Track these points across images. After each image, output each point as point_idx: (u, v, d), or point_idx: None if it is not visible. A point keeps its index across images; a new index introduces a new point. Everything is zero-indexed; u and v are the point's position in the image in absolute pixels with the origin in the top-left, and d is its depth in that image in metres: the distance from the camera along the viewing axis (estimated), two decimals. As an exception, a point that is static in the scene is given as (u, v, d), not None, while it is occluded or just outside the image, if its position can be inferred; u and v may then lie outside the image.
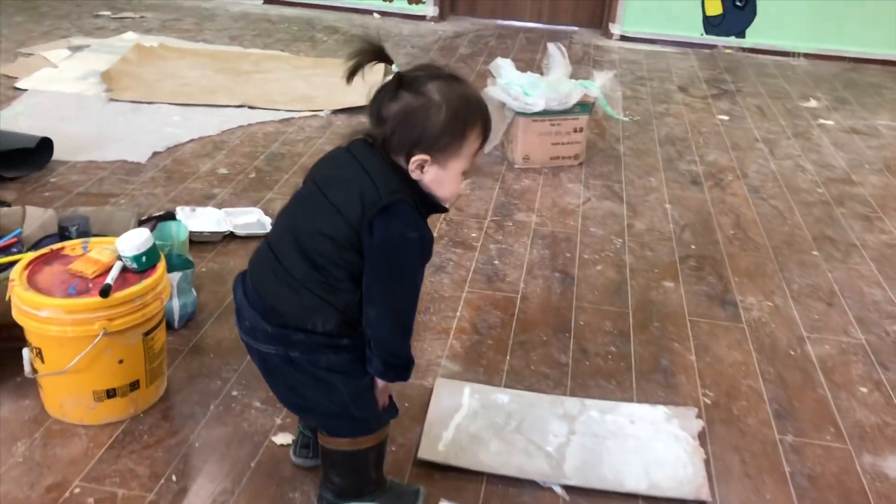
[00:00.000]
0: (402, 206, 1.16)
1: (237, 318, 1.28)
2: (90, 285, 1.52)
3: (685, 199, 2.77)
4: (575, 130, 2.91)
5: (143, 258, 1.57)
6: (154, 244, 1.60)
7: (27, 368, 1.55)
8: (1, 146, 2.59)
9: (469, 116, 1.18)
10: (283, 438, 1.57)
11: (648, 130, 3.39)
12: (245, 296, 1.25)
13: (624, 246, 2.42)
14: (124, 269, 1.57)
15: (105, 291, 1.48)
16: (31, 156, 2.66)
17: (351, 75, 1.17)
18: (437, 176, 1.19)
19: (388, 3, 5.03)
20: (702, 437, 1.63)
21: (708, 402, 1.75)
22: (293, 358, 1.22)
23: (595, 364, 1.85)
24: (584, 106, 2.88)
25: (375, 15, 5.02)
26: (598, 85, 2.89)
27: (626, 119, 3.19)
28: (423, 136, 1.16)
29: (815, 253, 2.46)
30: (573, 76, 2.99)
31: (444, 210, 1.27)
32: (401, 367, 1.26)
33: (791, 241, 2.52)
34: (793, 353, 1.95)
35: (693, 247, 2.44)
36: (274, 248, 1.25)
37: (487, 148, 2.95)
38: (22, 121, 3.05)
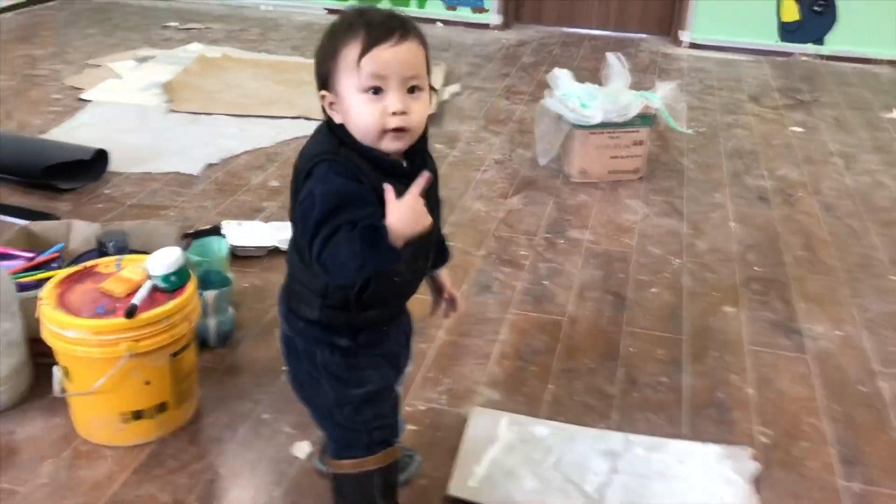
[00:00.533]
0: (320, 167, 1.06)
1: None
2: (118, 305, 1.50)
3: (751, 216, 2.62)
4: (635, 143, 2.79)
5: (173, 278, 1.54)
6: (185, 264, 1.57)
7: (56, 387, 1.53)
8: (58, 158, 2.63)
9: (337, 27, 1.07)
10: (301, 450, 1.52)
11: (715, 143, 3.24)
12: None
13: (682, 267, 2.29)
14: (154, 289, 1.54)
15: (130, 312, 1.45)
16: (87, 167, 2.69)
17: None
18: (344, 108, 1.07)
19: (451, 11, 4.98)
20: (756, 482, 1.50)
21: (765, 441, 1.62)
22: (297, 345, 1.22)
23: (644, 395, 1.74)
24: (645, 118, 2.76)
25: (439, 24, 4.97)
26: (660, 96, 2.77)
27: (690, 132, 3.05)
28: (318, 74, 1.09)
29: (893, 278, 2.28)
30: (638, 85, 2.87)
31: (385, 156, 1.08)
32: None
33: (866, 263, 2.35)
34: (863, 389, 1.80)
35: (757, 269, 2.30)
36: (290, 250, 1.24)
37: (543, 160, 2.86)
38: (83, 131, 3.11)
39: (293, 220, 1.15)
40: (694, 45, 4.64)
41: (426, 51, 1.11)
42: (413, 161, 1.13)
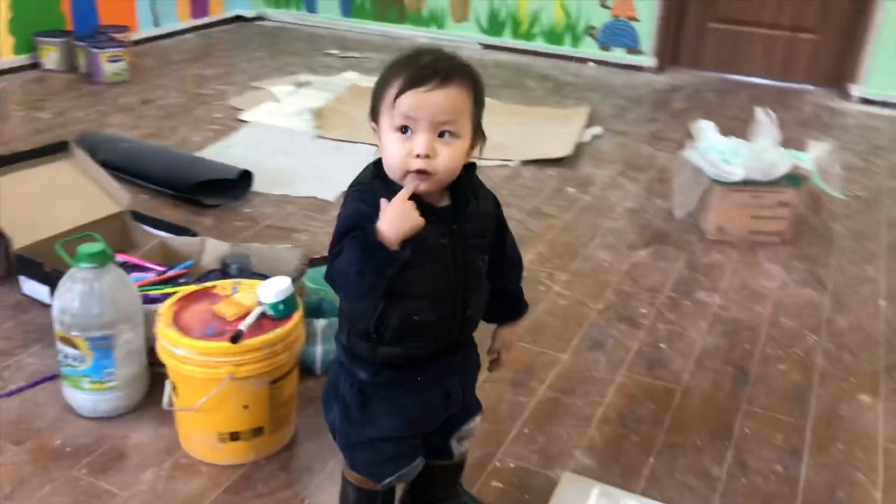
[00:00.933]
0: (350, 195, 1.15)
1: None
2: (227, 328, 1.56)
3: (906, 295, 2.39)
4: (780, 204, 2.62)
5: (281, 306, 1.58)
6: (293, 293, 1.61)
7: (165, 400, 1.61)
8: (207, 175, 2.79)
9: (391, 65, 1.12)
10: None
11: (875, 210, 2.99)
12: None
13: (818, 345, 2.12)
14: (262, 315, 1.59)
15: (235, 338, 1.50)
16: (233, 186, 2.84)
17: None
18: (380, 143, 1.14)
19: (605, 51, 4.91)
20: None
21: (888, 555, 1.46)
22: (336, 362, 1.27)
23: (753, 483, 1.61)
24: (794, 179, 2.59)
25: (591, 63, 4.91)
26: (812, 157, 2.59)
27: (844, 197, 2.83)
28: (370, 104, 1.15)
29: None
30: (797, 140, 2.70)
31: (400, 189, 1.09)
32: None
33: None
34: None
35: (905, 355, 2.09)
36: None
37: (679, 213, 2.74)
38: (235, 151, 3.29)
39: None
40: (865, 101, 4.32)
41: (474, 97, 1.14)
42: (457, 202, 1.16)
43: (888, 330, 2.20)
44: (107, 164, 2.92)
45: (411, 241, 1.07)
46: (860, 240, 2.74)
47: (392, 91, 1.09)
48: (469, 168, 1.18)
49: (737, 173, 2.54)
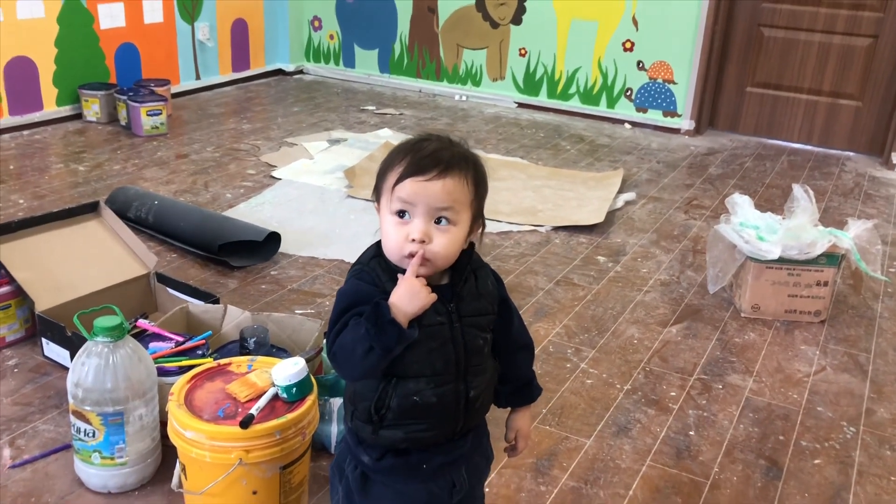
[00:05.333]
0: (349, 274, 1.17)
1: None
2: (239, 409, 1.52)
3: (951, 385, 2.28)
4: (818, 284, 2.54)
5: (294, 389, 1.55)
6: (308, 375, 1.58)
7: (174, 481, 1.57)
8: (234, 237, 2.79)
9: (394, 151, 1.14)
10: None
11: (918, 289, 2.89)
12: None
13: (857, 438, 2.02)
14: (275, 397, 1.56)
15: (245, 423, 1.46)
16: (261, 246, 2.84)
17: None
18: (380, 225, 1.16)
19: (641, 112, 4.88)
20: None
21: None
22: (345, 441, 1.24)
23: None
24: (832, 257, 2.51)
25: (627, 125, 4.89)
26: (852, 235, 2.51)
27: (886, 279, 2.73)
28: (378, 186, 1.16)
29: None
30: (837, 210, 2.63)
31: (402, 271, 1.12)
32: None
33: None
34: None
35: (951, 453, 1.98)
36: None
37: (713, 288, 2.67)
38: (266, 209, 3.30)
39: None
40: (907, 170, 4.23)
41: (475, 185, 1.15)
42: (455, 281, 1.17)
43: (932, 423, 2.10)
44: (138, 222, 2.96)
45: (412, 320, 1.10)
46: (903, 322, 2.64)
47: (392, 177, 1.12)
48: (468, 248, 1.19)
49: (773, 251, 2.46)
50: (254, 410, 1.49)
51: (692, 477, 1.84)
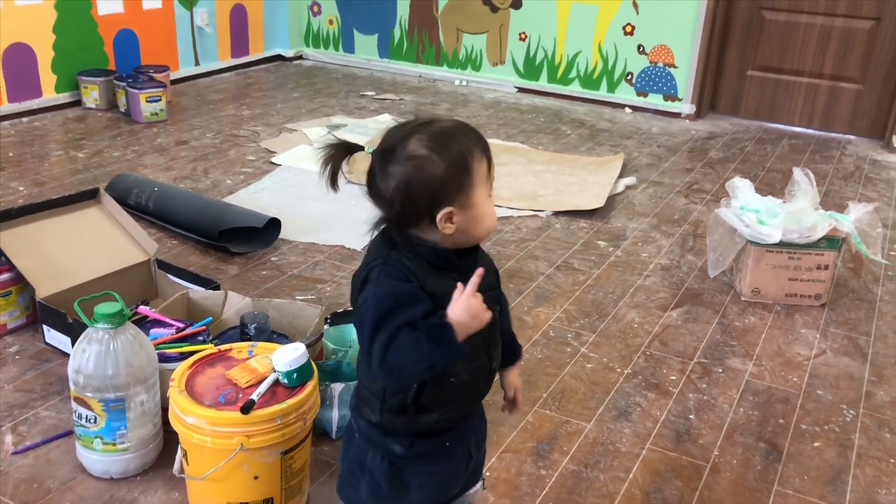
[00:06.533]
0: (373, 271, 1.13)
1: None
2: (240, 395, 1.53)
3: (951, 368, 2.29)
4: (818, 267, 2.54)
5: (295, 375, 1.55)
6: (308, 360, 1.58)
7: (176, 466, 1.58)
8: (234, 223, 2.79)
9: (461, 147, 1.12)
10: None
11: (918, 272, 2.88)
12: None
13: (856, 421, 2.02)
14: (276, 383, 1.56)
15: (246, 408, 1.47)
16: (261, 232, 2.84)
17: (333, 183, 1.16)
18: (470, 216, 1.13)
19: (642, 97, 4.87)
20: None
21: None
22: (355, 439, 1.25)
23: (784, 577, 1.53)
24: (833, 241, 2.50)
25: (627, 109, 4.87)
26: (853, 219, 2.50)
27: (886, 262, 2.73)
28: (434, 194, 1.10)
29: None
30: (838, 194, 2.62)
31: (451, 253, 1.15)
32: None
33: None
34: None
35: (950, 435, 1.98)
36: None
37: (713, 272, 2.67)
38: (266, 195, 3.30)
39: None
40: (909, 153, 4.21)
41: None
42: (463, 257, 1.18)
43: (932, 406, 2.10)
44: (138, 209, 2.96)
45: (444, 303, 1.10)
46: (903, 305, 2.64)
47: (483, 165, 1.14)
48: None
49: (773, 235, 2.46)
50: (255, 396, 1.50)
51: (692, 460, 1.84)
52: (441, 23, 5.32)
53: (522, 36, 5.09)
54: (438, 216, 1.11)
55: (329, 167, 1.15)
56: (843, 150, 4.31)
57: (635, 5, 4.71)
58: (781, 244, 2.50)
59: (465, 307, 1.07)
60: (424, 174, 1.10)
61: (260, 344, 1.70)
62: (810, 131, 4.61)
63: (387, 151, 1.12)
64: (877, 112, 4.45)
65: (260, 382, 1.55)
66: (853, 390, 2.15)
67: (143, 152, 3.74)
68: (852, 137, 4.50)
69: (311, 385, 1.57)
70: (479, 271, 1.09)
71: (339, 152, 1.15)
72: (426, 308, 1.09)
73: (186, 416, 1.48)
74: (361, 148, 1.16)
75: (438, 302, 1.10)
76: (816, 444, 1.92)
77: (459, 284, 1.10)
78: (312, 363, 1.60)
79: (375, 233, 1.19)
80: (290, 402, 1.51)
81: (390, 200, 1.12)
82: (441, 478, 1.24)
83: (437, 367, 1.09)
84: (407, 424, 1.18)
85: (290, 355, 1.55)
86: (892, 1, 4.27)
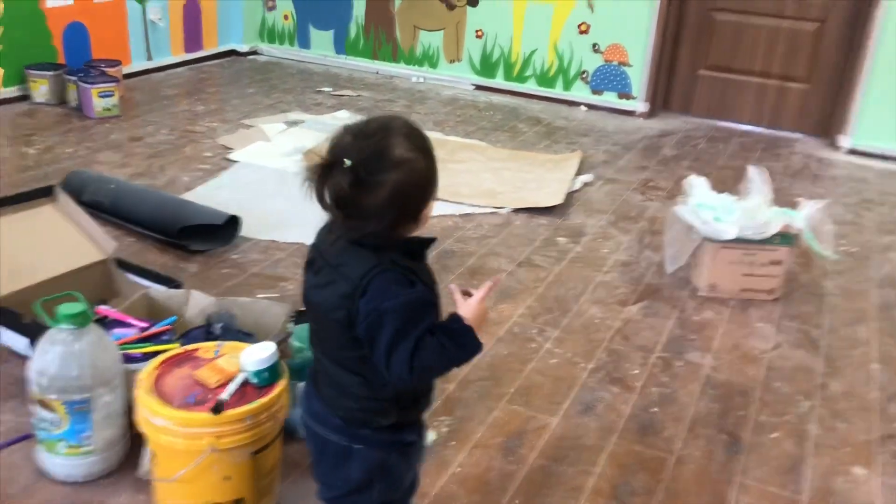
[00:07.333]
0: (374, 281, 1.11)
1: (304, 400, 1.31)
2: (210, 396, 1.51)
3: (899, 359, 2.37)
4: (772, 263, 2.61)
5: (265, 374, 1.54)
6: (278, 360, 1.57)
7: (143, 469, 1.56)
8: (193, 220, 2.75)
9: (427, 140, 1.16)
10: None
11: (866, 267, 2.98)
12: (315, 385, 1.28)
13: (812, 411, 2.09)
14: (245, 383, 1.55)
15: (217, 408, 1.45)
16: (220, 230, 2.80)
17: (321, 201, 1.12)
18: (424, 218, 1.17)
19: (597, 95, 4.93)
20: None
21: None
22: (355, 450, 1.24)
23: (747, 564, 1.57)
24: (786, 237, 2.58)
25: (583, 107, 4.93)
26: (805, 216, 2.58)
27: (837, 258, 2.81)
28: (426, 191, 1.14)
29: None
30: (787, 190, 2.70)
31: (420, 239, 1.19)
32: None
33: None
34: None
35: (899, 424, 2.06)
36: (322, 364, 1.27)
37: (670, 268, 2.73)
38: (224, 193, 3.25)
39: (348, 342, 1.17)
40: (854, 152, 4.34)
41: None
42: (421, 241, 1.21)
43: (882, 397, 2.18)
44: (94, 206, 2.89)
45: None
46: (851, 299, 2.73)
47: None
48: None
49: (729, 232, 2.52)
50: (224, 395, 1.48)
51: (657, 453, 1.88)
52: (398, 20, 5.31)
53: (479, 34, 5.11)
54: (426, 210, 1.14)
55: (315, 188, 1.11)
56: (791, 148, 4.43)
57: (590, 5, 4.76)
58: (737, 241, 2.56)
59: (481, 312, 1.18)
60: (416, 176, 1.10)
61: (226, 343, 1.69)
62: (760, 130, 4.72)
63: (370, 161, 1.07)
64: (823, 111, 4.58)
65: (228, 382, 1.54)
66: (808, 382, 2.22)
67: (96, 149, 3.66)
68: (800, 136, 4.63)
69: (282, 384, 1.56)
70: (496, 278, 1.24)
71: (322, 170, 1.09)
72: (438, 308, 1.17)
73: (155, 417, 1.46)
74: (342, 161, 1.09)
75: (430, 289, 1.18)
76: (775, 435, 1.98)
77: (454, 287, 1.22)
78: (282, 362, 1.59)
79: (338, 244, 1.15)
80: (261, 401, 1.50)
81: (382, 210, 1.08)
82: (417, 460, 1.34)
83: (461, 366, 1.18)
84: (416, 411, 1.27)
85: (260, 354, 1.54)
86: (837, 3, 4.40)
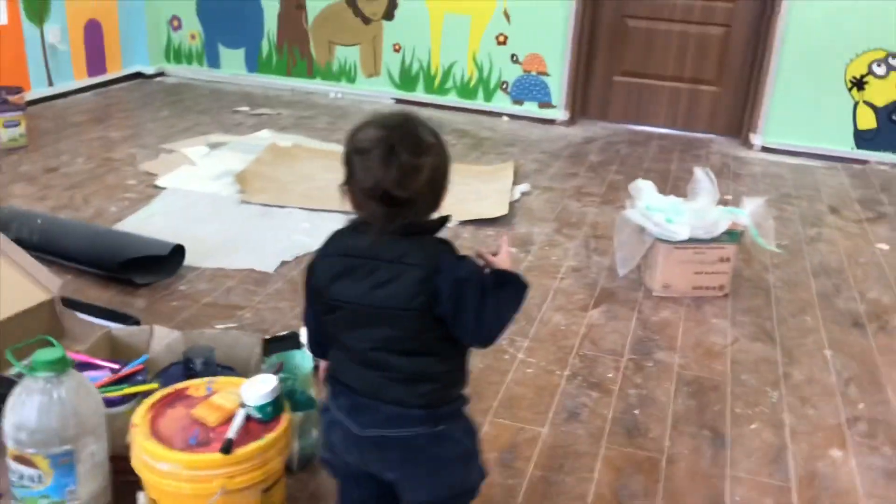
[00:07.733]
0: (443, 259, 1.24)
1: (355, 415, 1.29)
2: (212, 435, 1.43)
3: (847, 344, 2.49)
4: (721, 260, 2.70)
5: (269, 408, 1.48)
6: (281, 392, 1.51)
7: (140, 519, 1.46)
8: (135, 252, 2.62)
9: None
10: None
11: (799, 258, 3.13)
12: (376, 398, 1.28)
13: (782, 401, 2.17)
14: (248, 418, 1.48)
15: (227, 448, 1.38)
16: (163, 261, 2.67)
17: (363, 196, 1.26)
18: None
19: (518, 105, 5.00)
20: None
21: None
22: (441, 433, 1.29)
23: (757, 555, 1.61)
24: (733, 234, 2.67)
25: (505, 118, 4.99)
26: (748, 212, 2.68)
27: (780, 251, 2.94)
28: (448, 173, 1.28)
29: None
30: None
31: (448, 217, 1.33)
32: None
33: (978, 405, 2.20)
34: None
35: (861, 406, 2.16)
36: (370, 361, 1.28)
37: (622, 271, 2.79)
38: (157, 221, 3.11)
39: (427, 324, 1.25)
40: (766, 149, 4.56)
41: None
42: None
43: (839, 380, 2.28)
44: (21, 243, 2.69)
45: None
46: (793, 290, 2.85)
47: None
48: None
49: (682, 232, 2.60)
50: (232, 434, 1.41)
51: (648, 454, 1.91)
52: (312, 35, 5.24)
53: (397, 47, 5.09)
54: (446, 193, 1.27)
55: (351, 186, 1.27)
56: (708, 148, 4.61)
57: (507, 15, 4.83)
58: (689, 240, 2.63)
59: (513, 260, 1.39)
60: (445, 158, 1.25)
61: (218, 379, 1.61)
62: (675, 132, 4.90)
63: (413, 145, 1.18)
64: (733, 112, 4.79)
65: (229, 420, 1.46)
66: (772, 373, 2.31)
67: (7, 182, 3.44)
68: (713, 136, 4.83)
69: (286, 418, 1.50)
70: (505, 232, 1.30)
71: (361, 162, 1.22)
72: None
73: (158, 462, 1.38)
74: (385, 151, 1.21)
75: None
76: (753, 427, 2.04)
77: (478, 252, 1.37)
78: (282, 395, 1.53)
79: (384, 240, 1.23)
80: (271, 436, 1.44)
81: (423, 193, 1.21)
82: None
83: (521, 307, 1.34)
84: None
85: (262, 388, 1.48)
86: (741, 8, 4.62)
